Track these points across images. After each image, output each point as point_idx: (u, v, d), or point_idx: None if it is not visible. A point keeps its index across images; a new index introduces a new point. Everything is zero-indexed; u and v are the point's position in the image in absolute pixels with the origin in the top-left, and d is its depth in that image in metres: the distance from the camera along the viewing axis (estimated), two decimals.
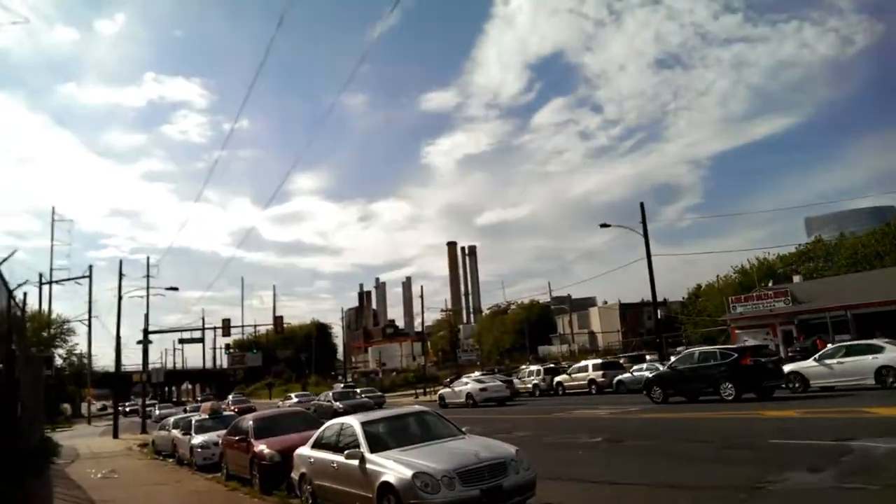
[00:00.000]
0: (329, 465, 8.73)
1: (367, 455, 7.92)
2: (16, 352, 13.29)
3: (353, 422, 8.80)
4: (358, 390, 43.11)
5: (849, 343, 20.59)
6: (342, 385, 54.09)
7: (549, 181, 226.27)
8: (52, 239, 51.81)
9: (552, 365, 40.31)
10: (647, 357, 38.77)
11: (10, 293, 11.32)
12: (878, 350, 17.99)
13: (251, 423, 13.20)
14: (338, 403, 32.03)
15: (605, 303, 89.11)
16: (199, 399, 69.55)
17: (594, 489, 8.71)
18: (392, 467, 7.35)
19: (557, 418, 19.58)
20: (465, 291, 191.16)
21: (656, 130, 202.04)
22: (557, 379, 34.11)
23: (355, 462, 8.01)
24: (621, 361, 36.59)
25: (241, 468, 12.95)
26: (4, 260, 9.54)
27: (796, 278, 49.16)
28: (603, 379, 31.04)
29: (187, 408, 38.63)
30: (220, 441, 14.85)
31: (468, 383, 31.54)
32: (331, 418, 11.00)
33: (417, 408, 9.87)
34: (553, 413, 21.00)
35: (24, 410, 14.24)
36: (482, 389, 29.60)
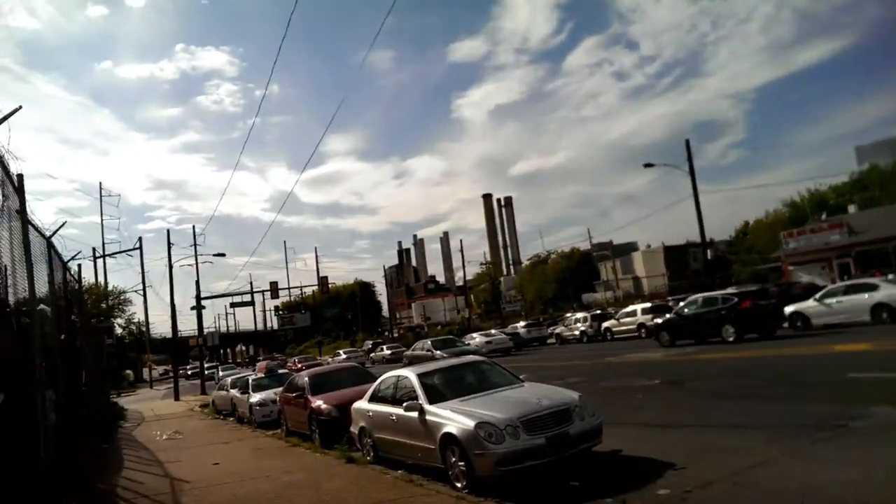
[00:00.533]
0: (388, 417, 8.69)
1: (426, 406, 7.81)
2: (77, 323, 13.68)
3: (410, 374, 8.70)
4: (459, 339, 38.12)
5: (847, 283, 22.08)
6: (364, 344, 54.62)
7: (584, 126, 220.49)
8: (102, 214, 53.27)
9: (599, 311, 39.87)
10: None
11: (64, 265, 11.52)
12: (873, 288, 19.18)
13: (307, 379, 13.35)
14: (439, 352, 29.31)
15: (649, 246, 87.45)
16: (259, 358, 71.49)
17: (661, 433, 8.46)
18: (453, 418, 7.22)
19: (609, 363, 19.33)
20: (504, 243, 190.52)
21: (695, 64, 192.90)
22: (605, 324, 33.82)
23: (414, 414, 7.92)
24: (670, 304, 35.89)
25: (300, 424, 13.17)
26: (55, 232, 9.61)
27: (851, 208, 47.11)
28: (653, 322, 30.51)
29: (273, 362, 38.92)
30: (278, 399, 15.14)
31: (476, 338, 36.28)
32: None
33: (473, 357, 9.74)
34: (605, 358, 20.74)
35: (88, 378, 14.77)
36: (488, 342, 34.49)
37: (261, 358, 72.66)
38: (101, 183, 66.87)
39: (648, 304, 33.93)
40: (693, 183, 34.82)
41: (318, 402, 12.16)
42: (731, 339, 19.32)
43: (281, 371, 20.27)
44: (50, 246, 9.66)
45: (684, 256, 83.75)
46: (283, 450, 11.65)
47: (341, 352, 54.81)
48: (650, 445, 7.87)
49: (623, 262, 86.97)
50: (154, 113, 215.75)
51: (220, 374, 36.47)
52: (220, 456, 11.65)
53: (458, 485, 6.98)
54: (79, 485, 8.37)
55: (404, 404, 8.05)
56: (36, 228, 8.40)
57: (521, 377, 8.73)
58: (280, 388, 16.70)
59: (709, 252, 43.46)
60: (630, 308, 34.55)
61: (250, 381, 18.68)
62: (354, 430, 9.95)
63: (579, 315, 38.62)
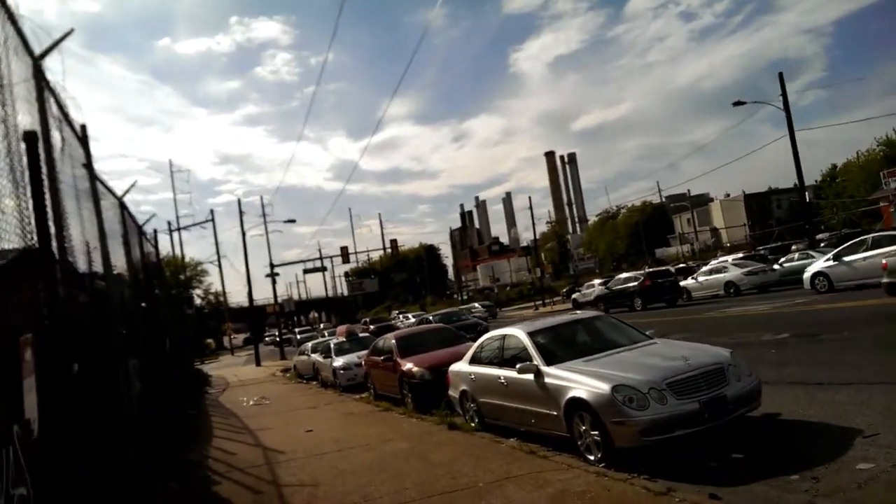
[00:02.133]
0: (495, 380, 7.74)
1: (544, 368, 6.78)
2: (157, 292, 13.42)
3: (518, 332, 7.68)
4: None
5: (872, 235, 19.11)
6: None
7: (650, 73, 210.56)
8: (174, 190, 54.86)
9: (682, 265, 37.70)
10: (794, 247, 35.02)
11: (139, 228, 11.08)
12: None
13: (394, 341, 12.62)
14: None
15: (727, 196, 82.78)
16: (334, 323, 72.50)
17: (822, 393, 7.14)
18: (581, 381, 6.16)
19: (712, 318, 17.77)
20: (568, 201, 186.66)
21: (767, 0, 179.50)
22: (684, 283, 31.41)
23: (529, 377, 6.92)
24: (762, 255, 33.39)
25: (389, 388, 12.51)
26: (126, 192, 9.05)
27: None
28: (747, 279, 28.25)
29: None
30: (363, 362, 14.57)
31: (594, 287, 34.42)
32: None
33: (589, 313, 8.62)
34: (704, 314, 19.15)
35: (172, 346, 14.62)
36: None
37: (333, 324, 73.96)
38: (170, 160, 68.68)
39: (740, 256, 31.50)
40: (788, 119, 31.80)
41: (409, 365, 11.40)
42: (638, 308, 25.39)
43: (362, 335, 19.82)
44: (122, 207, 9.11)
45: (767, 204, 79.02)
46: (375, 415, 10.98)
47: (410, 315, 53.95)
48: (816, 407, 6.59)
49: (699, 213, 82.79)
50: (214, 87, 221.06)
51: (298, 338, 36.44)
52: (311, 422, 11.12)
53: (591, 457, 5.96)
54: (168, 456, 7.88)
55: (517, 366, 7.04)
56: (105, 185, 7.78)
57: (647, 333, 7.56)
58: (363, 352, 16.23)
59: (799, 196, 40.13)
60: (719, 260, 32.02)
61: (332, 345, 18.27)
62: (454, 394, 9.08)
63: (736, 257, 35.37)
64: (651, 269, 29.60)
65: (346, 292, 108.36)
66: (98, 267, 6.59)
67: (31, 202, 3.89)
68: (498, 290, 79.37)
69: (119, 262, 8.25)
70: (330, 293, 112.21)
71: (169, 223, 45.65)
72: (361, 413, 11.50)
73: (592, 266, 64.90)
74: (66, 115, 5.57)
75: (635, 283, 26.67)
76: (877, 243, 17.38)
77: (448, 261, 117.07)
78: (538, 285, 55.52)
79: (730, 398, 5.78)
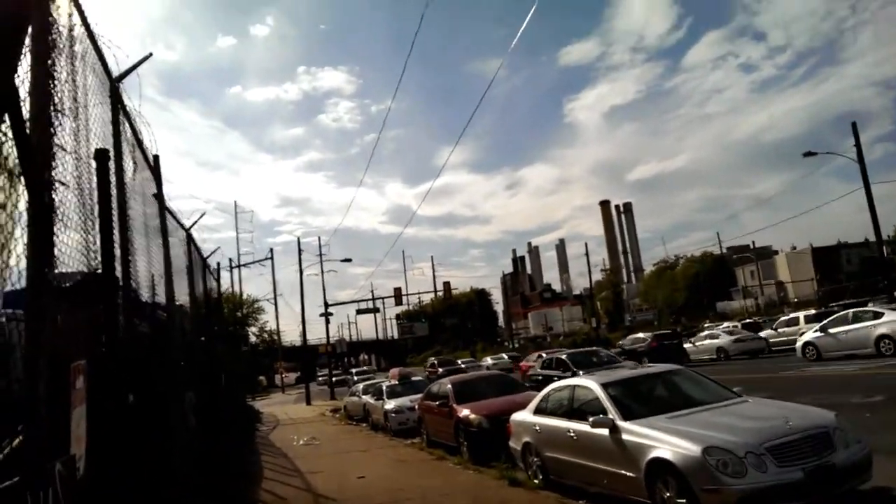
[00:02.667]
0: (564, 434, 7.16)
1: (621, 423, 6.20)
2: (216, 327, 13.49)
3: (590, 383, 7.12)
4: None
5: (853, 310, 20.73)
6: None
7: (708, 124, 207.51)
8: (237, 229, 56.72)
9: (749, 320, 35.89)
10: (870, 304, 32.84)
11: (204, 261, 11.16)
12: (878, 316, 18.31)
13: (450, 387, 12.15)
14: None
15: (794, 248, 79.35)
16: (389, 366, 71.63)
17: None
18: (665, 440, 5.56)
19: (790, 377, 16.52)
20: (623, 250, 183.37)
21: (832, 52, 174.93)
22: (763, 334, 29.98)
23: (604, 432, 6.34)
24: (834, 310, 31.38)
25: (443, 434, 11.98)
26: (194, 223, 9.09)
27: None
28: (816, 336, 26.58)
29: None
30: (416, 406, 14.10)
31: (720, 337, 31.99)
32: None
33: (668, 366, 7.98)
34: (779, 372, 17.86)
35: (227, 381, 14.59)
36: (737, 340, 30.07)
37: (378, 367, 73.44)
38: (235, 201, 71.63)
39: (812, 312, 29.80)
40: (863, 170, 30.33)
41: (466, 412, 10.88)
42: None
43: (415, 378, 19.39)
44: (189, 238, 9.16)
45: (836, 259, 75.22)
46: (428, 463, 10.46)
47: (460, 361, 52.72)
48: None
49: (763, 266, 79.40)
50: (279, 133, 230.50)
51: (355, 379, 35.82)
52: (361, 466, 10.69)
53: None
54: (218, 497, 7.58)
55: (591, 420, 6.48)
56: (174, 216, 7.80)
57: (734, 390, 6.88)
58: (415, 395, 15.80)
59: (873, 251, 37.86)
60: (790, 315, 30.47)
61: (384, 387, 17.89)
62: (516, 445, 8.51)
63: (723, 326, 34.70)
64: (657, 332, 32.90)
65: (396, 335, 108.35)
66: (161, 297, 6.50)
67: (97, 222, 3.75)
68: (551, 340, 77.59)
69: (182, 294, 8.21)
70: (380, 335, 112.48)
71: (230, 260, 46.92)
72: (414, 461, 10.99)
73: (651, 318, 62.76)
74: (139, 141, 5.55)
75: (644, 344, 29.50)
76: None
77: (498, 307, 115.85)
78: (593, 335, 53.86)
79: (839, 467, 5.08)
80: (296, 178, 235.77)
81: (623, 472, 6.08)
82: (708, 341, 29.29)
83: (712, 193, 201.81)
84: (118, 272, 4.52)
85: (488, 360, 47.42)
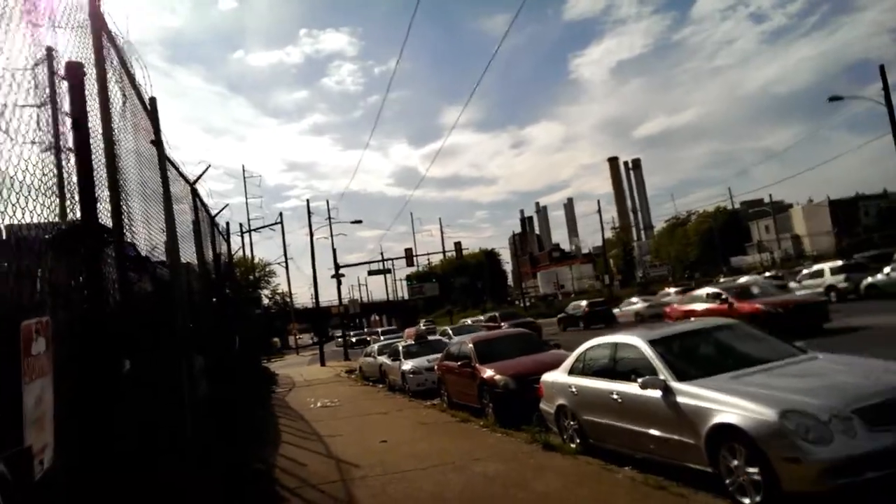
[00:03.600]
0: (605, 396, 6.58)
1: (675, 384, 5.60)
2: (227, 290, 12.93)
3: (635, 340, 6.49)
4: None
5: None
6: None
7: (718, 77, 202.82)
8: (246, 194, 56.21)
9: (768, 274, 35.14)
10: None
11: (212, 219, 10.52)
12: None
13: (472, 346, 11.61)
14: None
15: (810, 201, 77.86)
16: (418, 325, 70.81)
17: None
18: (732, 402, 4.94)
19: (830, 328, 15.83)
20: (633, 207, 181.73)
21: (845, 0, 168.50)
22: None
23: (654, 394, 5.75)
24: (861, 263, 30.59)
25: (465, 396, 11.51)
26: (199, 177, 8.42)
27: None
28: (845, 284, 25.93)
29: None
30: (436, 366, 13.63)
31: (637, 303, 33.75)
32: None
33: (721, 319, 7.34)
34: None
35: (241, 344, 14.13)
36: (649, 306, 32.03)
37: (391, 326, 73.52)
38: (243, 166, 70.63)
39: (838, 263, 28.99)
40: (891, 115, 29.11)
41: (490, 372, 10.35)
42: (581, 328, 31.18)
43: (431, 338, 18.92)
44: (195, 194, 8.50)
45: (854, 211, 73.78)
46: (452, 426, 9.99)
47: (468, 320, 51.74)
48: None
49: (779, 220, 78.09)
50: (283, 97, 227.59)
51: (382, 339, 34.81)
52: (382, 429, 10.25)
53: (746, 500, 4.74)
54: (233, 465, 7.11)
55: (639, 381, 5.87)
56: (176, 167, 7.11)
57: (798, 345, 6.24)
58: (433, 355, 15.36)
59: (893, 202, 36.75)
60: (814, 268, 29.71)
61: (401, 347, 17.45)
62: (548, 408, 7.97)
63: (747, 279, 33.97)
64: (591, 300, 37.27)
65: (406, 296, 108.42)
66: (163, 254, 5.88)
67: (73, 156, 3.09)
68: (562, 298, 77.27)
69: (189, 254, 7.60)
70: (390, 297, 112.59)
71: (241, 225, 46.51)
72: (437, 423, 10.52)
73: (665, 273, 62.05)
74: (129, 73, 4.83)
75: (580, 310, 33.49)
76: None
77: (507, 266, 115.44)
78: (606, 293, 53.23)
79: None
80: (301, 142, 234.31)
81: (678, 437, 5.50)
82: (627, 307, 33.21)
83: (721, 148, 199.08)
84: (110, 223, 3.89)
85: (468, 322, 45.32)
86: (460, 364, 11.56)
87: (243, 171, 58.52)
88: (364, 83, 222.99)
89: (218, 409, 7.76)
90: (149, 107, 5.95)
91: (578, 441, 7.26)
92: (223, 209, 11.64)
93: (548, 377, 8.09)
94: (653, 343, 6.25)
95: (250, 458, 8.10)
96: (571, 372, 7.50)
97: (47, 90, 3.12)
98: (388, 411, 12.67)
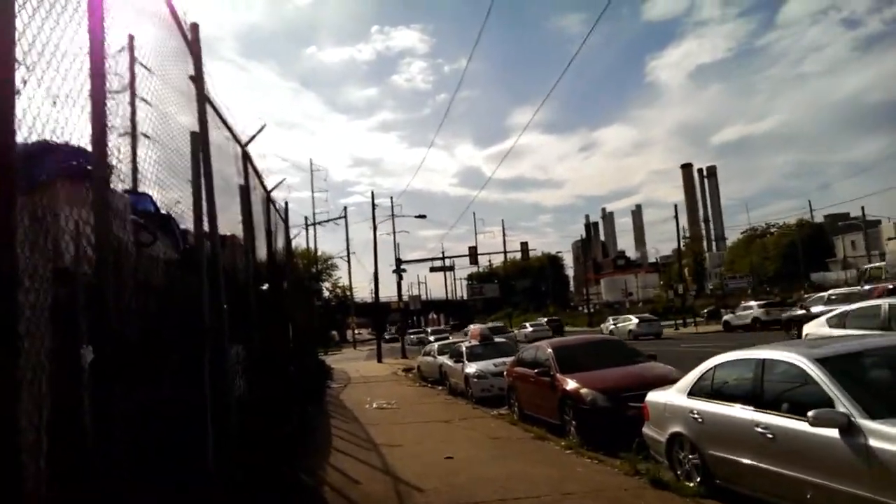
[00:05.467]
0: (748, 428, 5.02)
1: (865, 423, 4.03)
2: (284, 280, 11.96)
3: (798, 358, 4.88)
4: None
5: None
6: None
7: (804, 84, 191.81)
8: (312, 188, 56.66)
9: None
10: None
11: (267, 193, 9.49)
12: None
13: (551, 351, 10.14)
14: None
15: None
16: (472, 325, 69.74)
17: None
18: None
19: None
20: (705, 217, 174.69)
21: None
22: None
23: (829, 433, 4.19)
24: None
25: (541, 409, 10.08)
26: (253, 137, 7.33)
27: None
28: None
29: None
30: (505, 372, 12.22)
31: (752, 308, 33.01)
32: None
33: None
34: None
35: (297, 336, 13.15)
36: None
37: (449, 326, 72.45)
38: (311, 160, 71.33)
39: None
40: None
41: (574, 385, 8.86)
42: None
43: (498, 339, 17.52)
44: (246, 157, 7.43)
45: None
46: (529, 444, 8.59)
47: (528, 324, 49.22)
48: None
49: (867, 236, 72.10)
50: (353, 94, 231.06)
51: (431, 339, 33.60)
52: (446, 440, 8.96)
53: None
54: (277, 476, 5.96)
55: (810, 414, 4.30)
56: (221, 116, 6.01)
57: None
58: (499, 359, 14.02)
59: None
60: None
61: (464, 348, 16.14)
62: (656, 434, 6.45)
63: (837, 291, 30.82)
64: (547, 319, 43.64)
65: (465, 296, 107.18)
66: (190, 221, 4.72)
67: None
68: (630, 306, 74.12)
69: (232, 223, 6.48)
70: (449, 296, 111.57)
71: (305, 218, 46.51)
72: (510, 438, 9.14)
73: (745, 286, 58.26)
74: None
75: (546, 326, 39.79)
76: None
77: (570, 272, 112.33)
78: (678, 304, 50.17)
79: None
80: (368, 139, 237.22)
81: (864, 493, 3.94)
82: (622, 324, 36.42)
83: (804, 159, 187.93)
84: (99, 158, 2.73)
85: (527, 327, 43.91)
86: (537, 372, 10.09)
87: (311, 165, 58.83)
88: (433, 81, 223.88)
89: (263, 407, 6.65)
90: (188, 35, 4.85)
91: (699, 480, 5.72)
92: (280, 183, 10.58)
93: (658, 397, 6.57)
94: (823, 362, 4.66)
95: (297, 468, 6.97)
96: (693, 393, 5.96)
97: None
98: (451, 419, 11.37)
